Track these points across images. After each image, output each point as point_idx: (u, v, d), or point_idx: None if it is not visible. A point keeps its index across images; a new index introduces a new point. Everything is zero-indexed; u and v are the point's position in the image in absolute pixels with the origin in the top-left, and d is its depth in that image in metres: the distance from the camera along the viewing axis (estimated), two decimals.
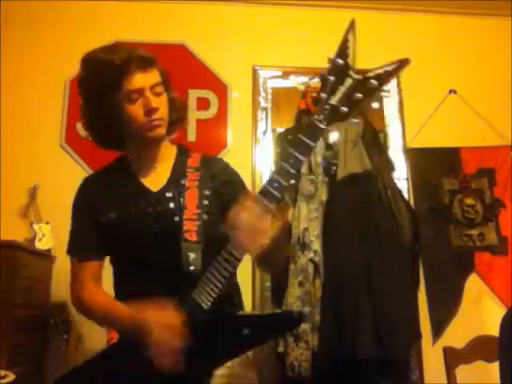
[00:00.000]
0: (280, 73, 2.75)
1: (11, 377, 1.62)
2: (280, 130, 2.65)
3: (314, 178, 2.43)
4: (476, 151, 2.70)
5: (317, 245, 2.32)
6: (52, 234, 2.28)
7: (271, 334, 1.36)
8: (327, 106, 1.04)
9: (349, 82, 1.02)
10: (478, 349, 1.71)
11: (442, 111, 2.70)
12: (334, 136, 2.54)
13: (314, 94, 2.59)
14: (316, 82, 2.71)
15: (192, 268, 1.18)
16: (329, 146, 2.51)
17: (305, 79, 2.71)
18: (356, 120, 1.07)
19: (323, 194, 2.41)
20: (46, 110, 2.54)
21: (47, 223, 2.29)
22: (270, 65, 2.74)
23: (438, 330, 2.44)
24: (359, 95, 1.02)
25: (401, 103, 2.77)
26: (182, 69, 2.70)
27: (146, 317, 1.12)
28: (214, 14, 2.76)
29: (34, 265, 2.12)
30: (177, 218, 1.26)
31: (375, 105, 0.97)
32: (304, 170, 2.44)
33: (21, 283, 1.95)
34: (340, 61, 1.01)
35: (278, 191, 1.06)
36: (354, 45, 1.03)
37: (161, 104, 1.28)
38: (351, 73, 1.02)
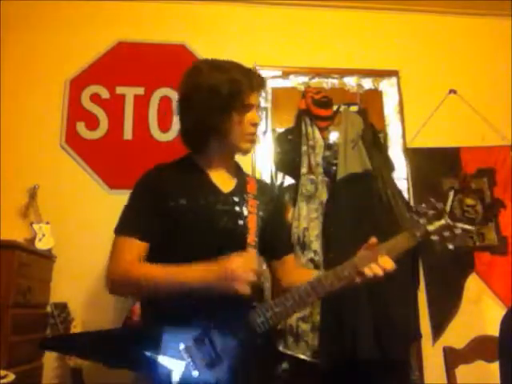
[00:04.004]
0: (280, 73, 2.74)
1: (11, 377, 1.62)
2: (280, 129, 2.65)
3: (314, 178, 2.44)
4: (476, 151, 2.70)
5: (317, 245, 2.32)
6: (52, 234, 2.28)
7: None
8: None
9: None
10: (478, 349, 1.71)
11: (442, 111, 2.70)
12: (334, 136, 2.54)
13: (315, 94, 2.60)
14: (316, 81, 2.72)
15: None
16: (329, 146, 2.51)
17: (305, 79, 2.71)
18: None
19: (323, 194, 2.41)
20: (46, 109, 2.53)
21: (47, 223, 2.29)
22: (270, 65, 2.73)
23: (438, 330, 2.44)
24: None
25: (401, 103, 2.77)
26: (182, 69, 2.68)
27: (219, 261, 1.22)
28: (214, 14, 2.76)
29: (34, 265, 2.11)
30: (241, 222, 1.36)
31: None
32: (304, 169, 2.44)
33: (21, 283, 1.95)
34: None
35: None
36: None
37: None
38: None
